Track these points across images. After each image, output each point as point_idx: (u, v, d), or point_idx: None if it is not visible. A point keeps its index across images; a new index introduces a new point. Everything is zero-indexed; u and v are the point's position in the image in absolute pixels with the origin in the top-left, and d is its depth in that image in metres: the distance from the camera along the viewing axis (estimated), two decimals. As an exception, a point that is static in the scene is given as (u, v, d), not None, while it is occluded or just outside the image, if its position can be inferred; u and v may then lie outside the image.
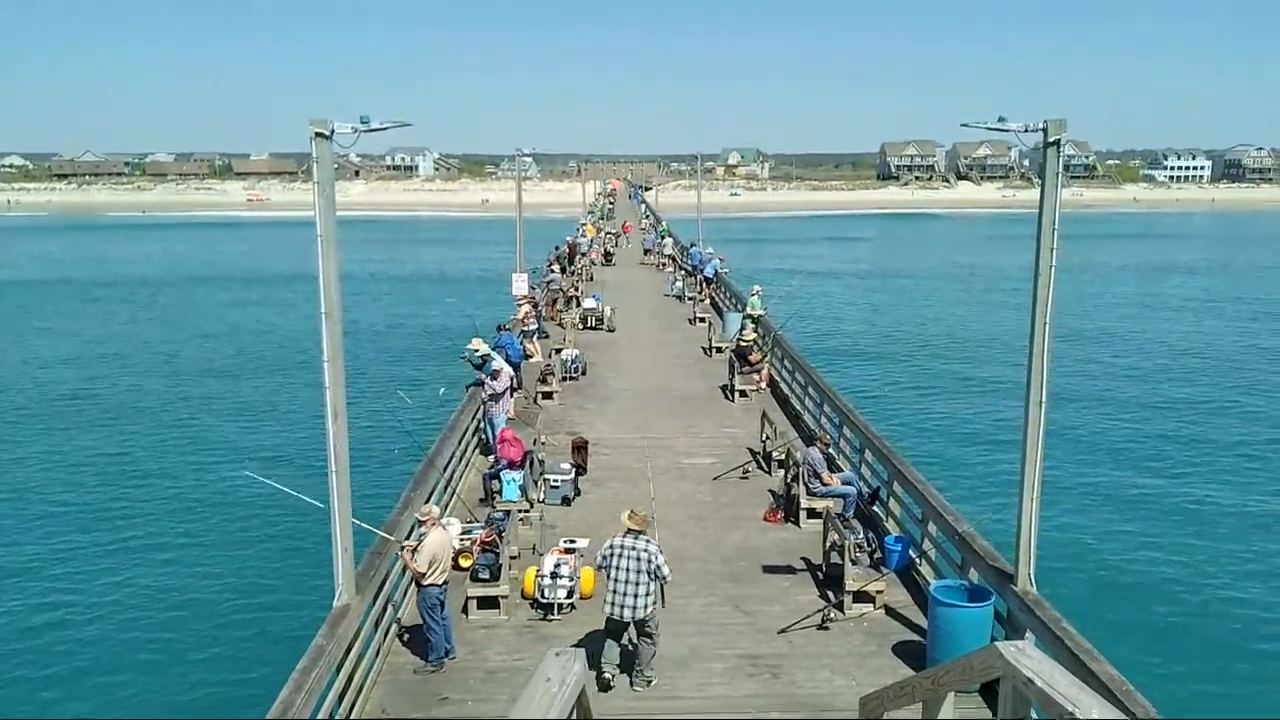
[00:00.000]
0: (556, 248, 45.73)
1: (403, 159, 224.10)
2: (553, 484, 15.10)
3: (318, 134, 8.81)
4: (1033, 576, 9.82)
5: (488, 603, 11.32)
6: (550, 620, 11.24)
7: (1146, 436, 29.18)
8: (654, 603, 9.69)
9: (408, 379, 33.27)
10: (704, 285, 37.33)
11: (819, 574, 12.49)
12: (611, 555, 9.69)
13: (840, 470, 15.15)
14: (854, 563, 11.54)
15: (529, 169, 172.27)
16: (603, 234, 58.95)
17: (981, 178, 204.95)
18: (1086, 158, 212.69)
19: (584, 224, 62.12)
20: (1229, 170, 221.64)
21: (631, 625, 9.71)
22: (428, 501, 12.21)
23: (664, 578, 9.74)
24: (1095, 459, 26.73)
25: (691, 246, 45.91)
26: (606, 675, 9.71)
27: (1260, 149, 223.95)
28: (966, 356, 41.42)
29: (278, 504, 20.28)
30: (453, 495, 14.75)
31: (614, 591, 9.61)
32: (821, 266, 78.48)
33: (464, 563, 11.27)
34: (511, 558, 12.08)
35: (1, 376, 37.71)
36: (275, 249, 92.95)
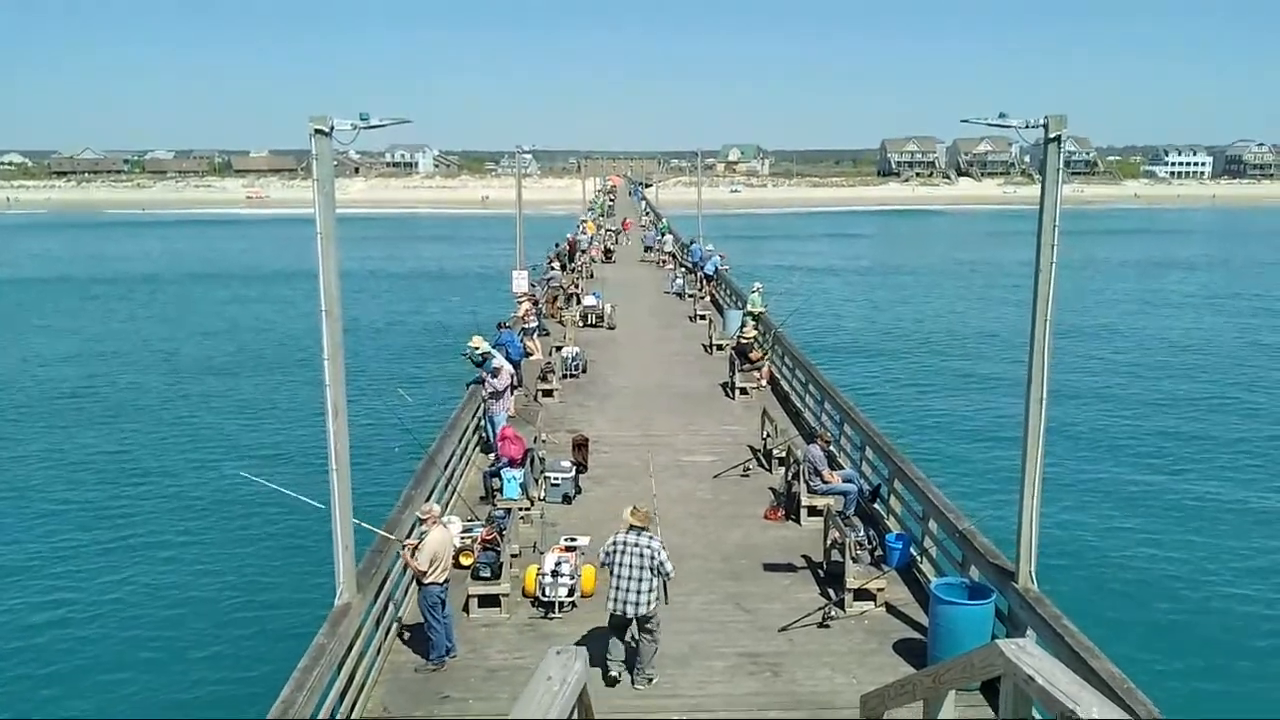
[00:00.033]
0: (557, 245, 45.73)
1: (402, 156, 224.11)
2: (553, 482, 15.10)
3: (317, 131, 8.79)
4: (1033, 574, 9.81)
5: (489, 601, 11.32)
6: (551, 618, 11.23)
7: (1147, 433, 29.17)
8: (657, 599, 9.71)
9: (408, 376, 33.32)
10: (704, 282, 37.33)
11: (820, 572, 12.50)
12: (615, 551, 9.70)
13: (841, 468, 15.14)
14: (855, 560, 11.53)
15: (529, 166, 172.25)
16: (603, 231, 58.98)
17: (982, 174, 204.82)
18: (1087, 154, 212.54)
19: (584, 221, 62.10)
20: (1230, 166, 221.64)
21: (634, 621, 9.72)
22: (428, 499, 12.19)
23: (667, 573, 9.75)
24: (1096, 455, 26.73)
25: (692, 243, 45.87)
26: (613, 673, 9.75)
27: (1261, 145, 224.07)
28: (967, 353, 41.43)
29: (278, 502, 20.22)
30: (453, 493, 14.75)
31: (617, 588, 9.62)
32: (822, 263, 78.49)
33: (465, 561, 11.28)
34: (512, 556, 12.08)
35: (1, 374, 37.71)
36: (275, 246, 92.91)
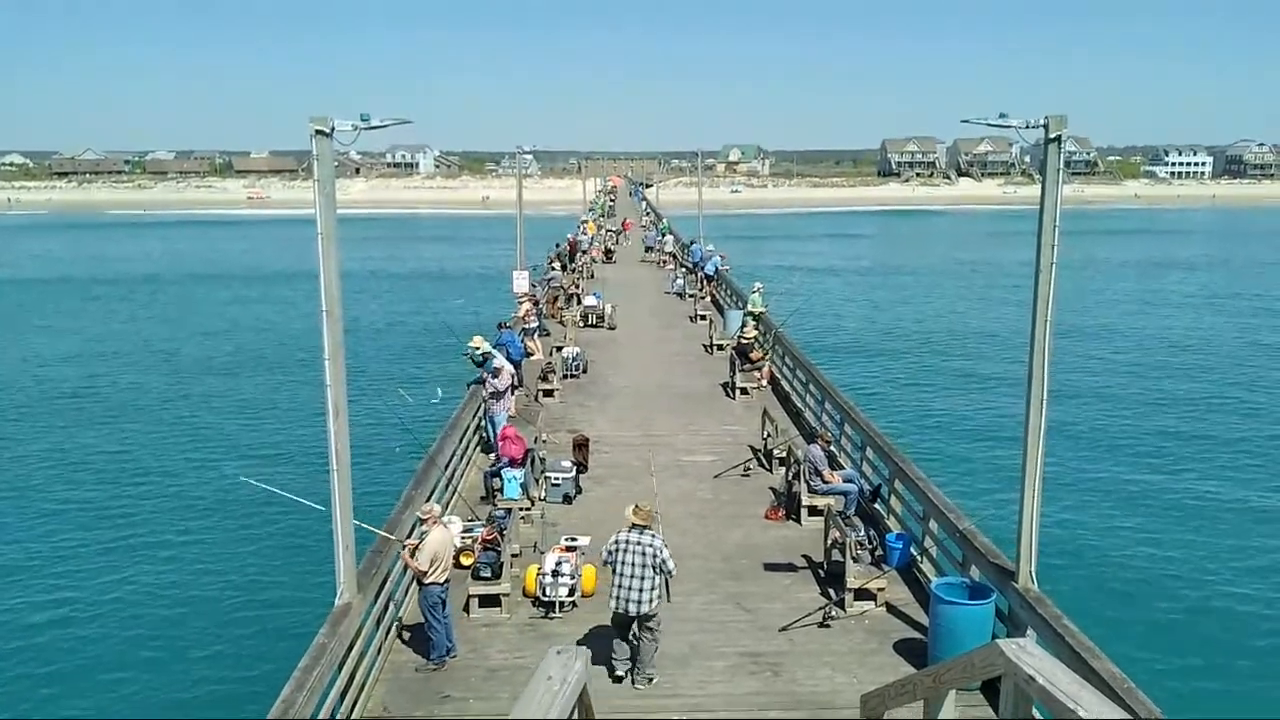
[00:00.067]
0: (557, 245, 45.75)
1: (403, 156, 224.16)
2: (554, 482, 15.10)
3: (318, 131, 8.80)
4: (1034, 574, 9.81)
5: (489, 601, 11.32)
6: (551, 618, 11.24)
7: (1148, 433, 29.17)
8: (659, 597, 9.72)
9: (408, 377, 33.30)
10: (705, 282, 37.33)
11: (820, 571, 12.50)
12: (617, 550, 9.70)
13: (841, 467, 15.14)
14: (855, 560, 11.53)
15: (529, 166, 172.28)
16: (603, 231, 58.97)
17: (982, 174, 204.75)
18: (1087, 154, 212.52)
19: (585, 221, 62.12)
20: (1230, 166, 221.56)
21: (635, 620, 9.73)
22: (429, 500, 12.20)
23: (669, 572, 9.76)
24: (1096, 455, 26.73)
25: (692, 244, 45.86)
26: (620, 672, 9.78)
27: (1261, 145, 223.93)
28: (967, 353, 41.43)
29: (278, 502, 20.13)
30: (454, 493, 14.75)
31: (619, 586, 9.62)
32: (822, 263, 78.50)
33: (465, 561, 11.27)
34: (513, 556, 12.08)
35: (2, 374, 37.73)
36: (275, 247, 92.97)
